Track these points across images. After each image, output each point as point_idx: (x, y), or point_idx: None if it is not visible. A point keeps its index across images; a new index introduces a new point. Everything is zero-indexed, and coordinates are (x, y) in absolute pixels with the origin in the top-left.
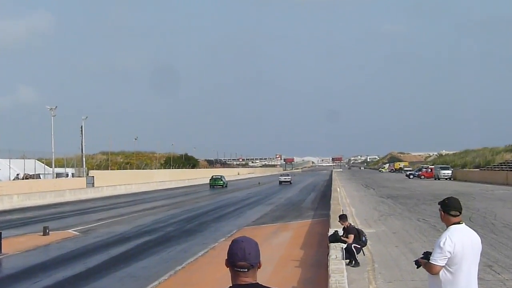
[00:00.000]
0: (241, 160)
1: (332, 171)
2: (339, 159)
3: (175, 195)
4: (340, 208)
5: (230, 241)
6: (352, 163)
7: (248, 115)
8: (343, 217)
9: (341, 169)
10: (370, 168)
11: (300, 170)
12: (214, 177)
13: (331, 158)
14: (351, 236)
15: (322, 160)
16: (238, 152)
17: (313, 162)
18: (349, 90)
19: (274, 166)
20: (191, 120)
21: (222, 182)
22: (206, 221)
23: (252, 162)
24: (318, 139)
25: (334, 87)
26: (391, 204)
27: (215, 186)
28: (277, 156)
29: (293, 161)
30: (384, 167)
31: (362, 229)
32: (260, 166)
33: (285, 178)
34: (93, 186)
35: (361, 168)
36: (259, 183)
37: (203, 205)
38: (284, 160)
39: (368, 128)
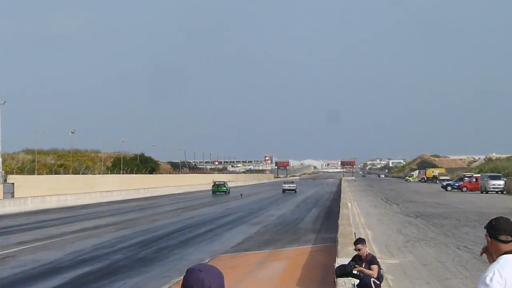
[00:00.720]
0: (217, 163)
1: (341, 179)
2: (351, 164)
3: (126, 210)
4: (351, 230)
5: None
6: (369, 168)
7: (229, 106)
8: (360, 241)
9: (353, 177)
10: (393, 176)
11: (298, 177)
12: (217, 182)
13: (339, 162)
14: (375, 268)
15: (328, 164)
16: (214, 152)
17: (315, 167)
18: (364, 76)
19: (262, 171)
20: (150, 110)
21: (225, 188)
22: (168, 246)
23: (233, 166)
24: (323, 138)
25: (343, 74)
26: (421, 225)
27: (217, 193)
28: (266, 158)
29: (288, 165)
30: (412, 174)
31: (379, 260)
32: (244, 172)
33: (290, 186)
34: (12, 196)
35: (381, 176)
36: (241, 195)
37: (164, 224)
38: (276, 164)
39: (391, 124)
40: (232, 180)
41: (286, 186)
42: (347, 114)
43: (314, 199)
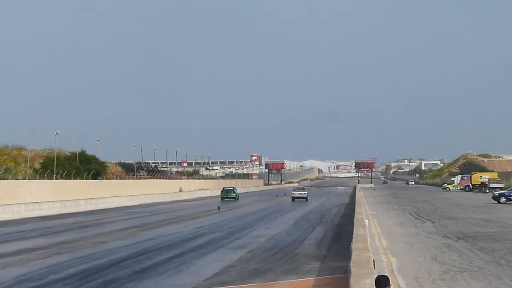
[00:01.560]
0: (186, 164)
1: (355, 187)
2: (369, 166)
3: (61, 228)
4: (369, 257)
5: None
6: (393, 172)
7: (202, 88)
8: (383, 282)
9: (372, 185)
10: (427, 183)
11: (297, 183)
12: (225, 188)
13: (353, 164)
14: None
15: (338, 167)
16: (182, 150)
17: (320, 171)
18: (386, 51)
19: (248, 176)
20: (94, 94)
21: (234, 194)
22: (117, 278)
23: (208, 169)
24: (330, 133)
25: (355, 48)
26: (464, 250)
27: (226, 199)
28: (254, 158)
29: (283, 167)
30: (453, 181)
31: None
32: (222, 177)
33: (300, 193)
34: None
35: (410, 182)
36: (218, 208)
37: (113, 248)
38: (266, 165)
39: (423, 114)
40: (205, 188)
41: (296, 193)
42: (364, 101)
43: (318, 214)
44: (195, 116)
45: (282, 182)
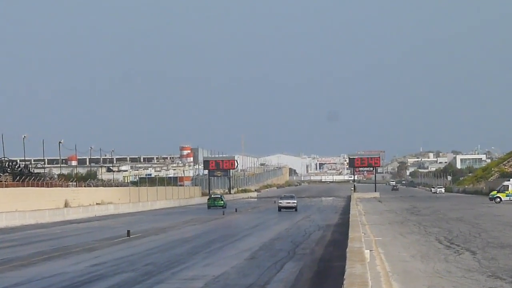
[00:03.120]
0: (75, 162)
1: (350, 196)
2: (373, 163)
3: None
4: None
5: None
6: (410, 174)
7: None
8: None
9: (376, 194)
10: (465, 191)
11: (254, 192)
12: (213, 196)
13: (345, 160)
14: None
15: (321, 165)
16: (70, 141)
17: (294, 171)
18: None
19: (177, 181)
20: None
21: (222, 202)
22: None
23: (112, 169)
24: (307, 114)
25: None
26: None
27: (212, 207)
28: (185, 152)
29: (232, 166)
30: (507, 186)
31: None
32: (134, 182)
33: (288, 202)
34: None
35: (438, 189)
36: (128, 233)
37: None
38: (206, 164)
39: (456, 89)
40: (107, 201)
41: (284, 202)
42: (360, 71)
43: (290, 241)
44: (94, 90)
45: (232, 191)
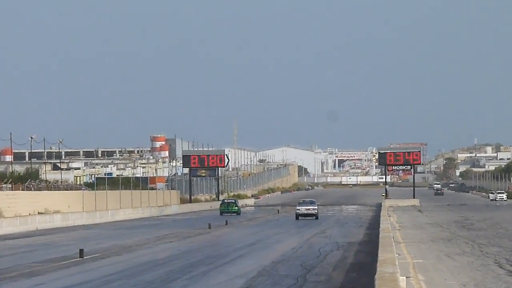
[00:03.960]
0: (11, 156)
1: (380, 204)
2: (412, 159)
3: None
4: None
5: None
6: (461, 174)
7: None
8: None
9: (415, 201)
10: None
11: (252, 198)
12: (226, 200)
13: (374, 155)
14: None
15: (342, 161)
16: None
17: (305, 171)
18: None
19: (147, 182)
20: None
21: (237, 208)
22: None
23: (61, 166)
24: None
25: None
26: None
27: (226, 213)
28: (159, 144)
29: (222, 163)
30: None
31: None
32: (87, 184)
33: (307, 209)
34: None
35: (498, 196)
36: (81, 253)
37: None
38: (186, 159)
39: None
40: (53, 210)
41: (303, 209)
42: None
43: (298, 264)
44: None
45: (221, 196)
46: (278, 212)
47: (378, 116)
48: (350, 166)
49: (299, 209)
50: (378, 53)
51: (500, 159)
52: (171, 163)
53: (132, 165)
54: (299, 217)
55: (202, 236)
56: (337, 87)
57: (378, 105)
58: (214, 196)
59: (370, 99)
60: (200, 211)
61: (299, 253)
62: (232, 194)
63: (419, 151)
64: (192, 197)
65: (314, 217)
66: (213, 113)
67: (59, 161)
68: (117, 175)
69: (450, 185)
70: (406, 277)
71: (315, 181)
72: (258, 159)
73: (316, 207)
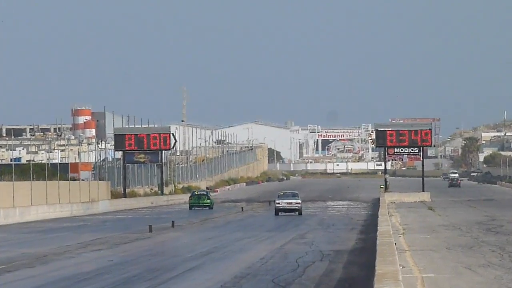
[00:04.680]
0: None
1: (378, 199)
2: (420, 140)
3: None
4: None
5: None
6: (486, 160)
7: None
8: None
9: (425, 194)
10: None
11: (206, 189)
12: (196, 193)
13: (371, 133)
14: None
15: (329, 143)
16: None
17: (278, 154)
18: None
19: (67, 171)
20: None
21: (209, 201)
22: None
23: None
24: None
25: None
26: None
27: (196, 207)
28: (82, 119)
29: (168, 146)
30: None
31: None
32: None
33: (289, 203)
34: None
35: None
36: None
37: None
38: (119, 140)
39: None
40: None
41: (283, 203)
42: None
43: (268, 279)
44: None
45: (166, 189)
46: (242, 210)
47: (376, 83)
48: (338, 148)
49: (279, 203)
50: None
51: None
52: (99, 145)
53: (47, 148)
54: (279, 213)
55: (140, 242)
56: (324, 46)
57: (376, 69)
58: (157, 189)
59: (364, 60)
60: (138, 208)
61: (270, 264)
62: (180, 186)
63: (430, 129)
64: (127, 190)
65: (297, 213)
66: (155, 80)
67: None
68: (27, 161)
69: (472, 174)
70: None
71: (292, 169)
72: (215, 140)
73: (299, 201)
